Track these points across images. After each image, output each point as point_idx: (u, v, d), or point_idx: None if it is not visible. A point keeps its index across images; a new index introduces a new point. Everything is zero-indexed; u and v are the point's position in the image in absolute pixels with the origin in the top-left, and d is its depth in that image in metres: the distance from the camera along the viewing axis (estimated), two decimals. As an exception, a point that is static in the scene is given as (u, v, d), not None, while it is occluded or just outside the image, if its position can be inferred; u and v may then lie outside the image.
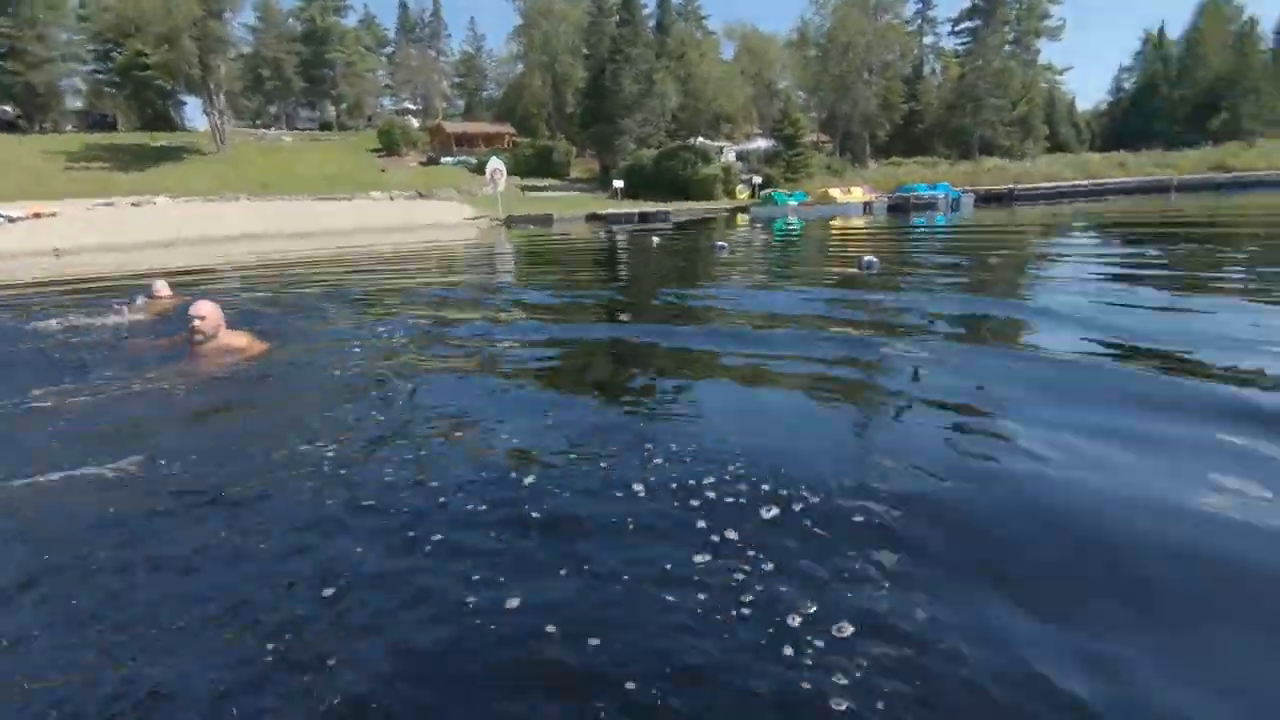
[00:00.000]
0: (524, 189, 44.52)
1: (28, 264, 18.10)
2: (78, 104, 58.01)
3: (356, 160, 49.50)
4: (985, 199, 32.44)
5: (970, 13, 60.53)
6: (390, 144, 52.68)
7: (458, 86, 75.99)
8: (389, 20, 75.78)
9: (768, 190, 38.21)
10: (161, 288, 7.06)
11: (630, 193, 41.80)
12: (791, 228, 19.57)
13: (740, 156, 49.61)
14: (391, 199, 40.15)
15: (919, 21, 64.22)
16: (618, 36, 45.85)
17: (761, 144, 50.99)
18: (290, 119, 66.32)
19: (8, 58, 48.42)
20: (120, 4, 42.20)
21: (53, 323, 5.99)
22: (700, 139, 48.30)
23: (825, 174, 46.10)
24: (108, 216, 28.62)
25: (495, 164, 32.29)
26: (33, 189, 34.19)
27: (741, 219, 28.44)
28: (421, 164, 51.41)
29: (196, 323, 4.19)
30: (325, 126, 65.48)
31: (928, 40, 64.99)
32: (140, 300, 6.73)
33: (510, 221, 30.55)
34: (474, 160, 50.83)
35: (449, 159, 51.90)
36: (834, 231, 17.34)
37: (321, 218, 30.68)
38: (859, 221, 22.05)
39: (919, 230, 16.44)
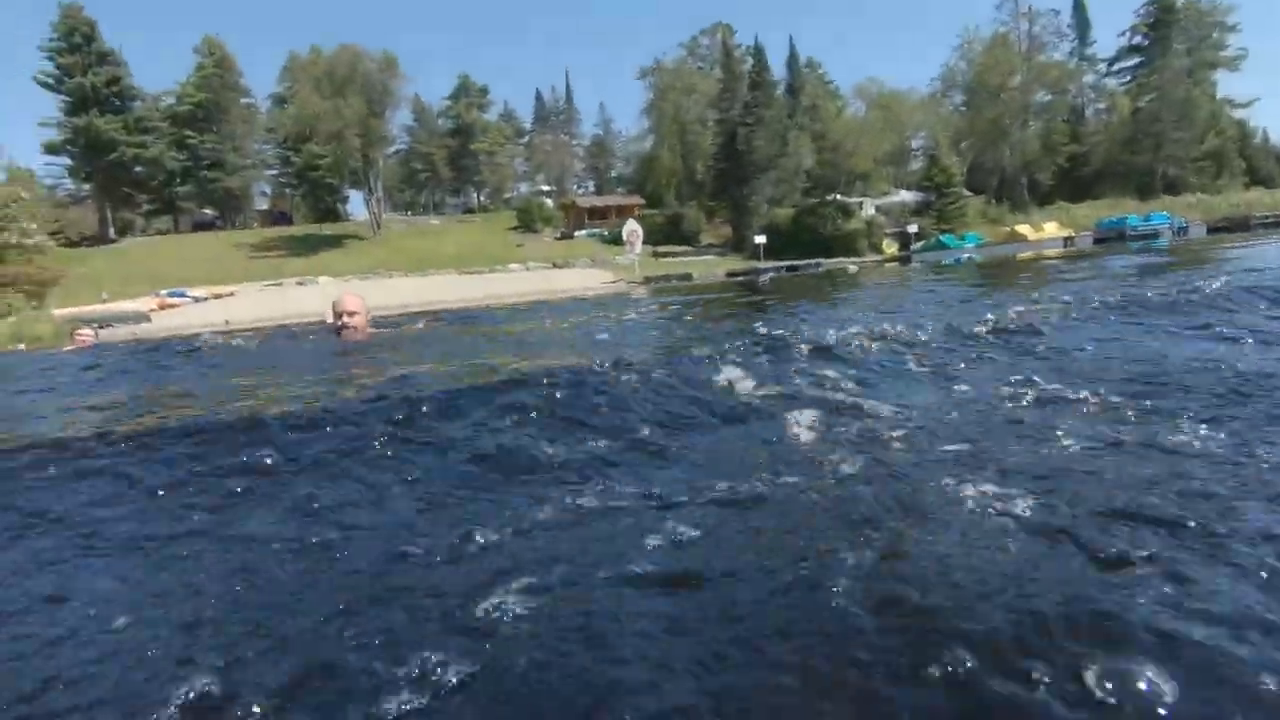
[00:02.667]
0: (656, 255, 43.86)
1: (202, 329, 18.93)
2: (263, 205, 65.63)
3: (496, 238, 51.43)
4: (1216, 229, 27.45)
5: (1130, 50, 55.09)
6: (527, 222, 54.55)
7: (589, 167, 79.08)
8: (525, 109, 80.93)
9: (926, 240, 34.97)
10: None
11: (767, 253, 39.89)
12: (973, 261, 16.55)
13: (881, 211, 46.62)
14: (528, 269, 40.65)
15: (1075, 60, 59.15)
16: (750, 100, 45.18)
17: (906, 196, 47.75)
18: (439, 206, 71.39)
19: (212, 168, 55.57)
20: (299, 110, 47.22)
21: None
22: (838, 195, 45.90)
23: (983, 222, 42.08)
24: (273, 294, 30.46)
25: (632, 226, 31.49)
26: (220, 275, 37.72)
27: (891, 268, 25.50)
28: (556, 239, 52.69)
29: (346, 318, 4.82)
30: (469, 210, 69.79)
31: (1088, 79, 59.48)
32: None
33: (647, 281, 29.38)
34: (606, 233, 51.44)
35: (582, 232, 52.87)
36: (1047, 260, 14.15)
37: (457, 288, 31.04)
38: (1053, 253, 18.61)
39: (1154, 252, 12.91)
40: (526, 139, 77.26)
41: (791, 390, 2.39)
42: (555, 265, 42.35)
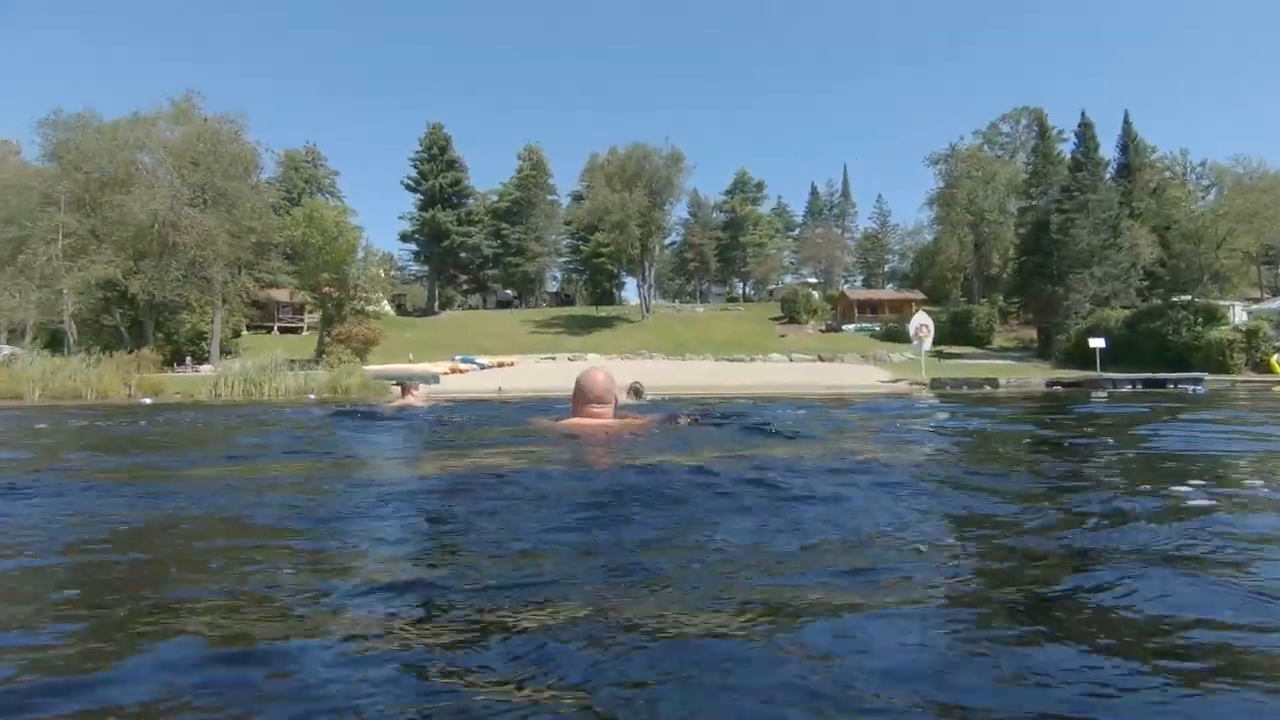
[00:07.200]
0: (939, 355, 38.47)
1: (480, 395, 19.52)
2: (554, 287, 73.20)
3: (759, 327, 50.16)
4: None
5: None
6: (792, 312, 52.58)
7: (859, 260, 75.49)
8: (799, 201, 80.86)
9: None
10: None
11: (1089, 362, 32.33)
12: None
13: (1260, 317, 35.80)
14: (791, 360, 38.20)
15: None
16: (1070, 183, 38.63)
17: (1298, 300, 36.36)
18: (704, 294, 73.12)
19: (516, 254, 63.49)
20: (592, 203, 51.81)
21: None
22: (1194, 297, 36.40)
23: None
24: (546, 366, 32.04)
25: (922, 319, 27.32)
26: (507, 347, 41.46)
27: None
28: (821, 331, 49.77)
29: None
30: (732, 299, 70.25)
31: None
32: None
33: (935, 385, 24.87)
34: (878, 328, 47.30)
35: (851, 326, 49.31)
36: None
37: (716, 374, 29.59)
38: None
39: None
40: (797, 231, 76.67)
41: None
42: (821, 358, 39.33)
